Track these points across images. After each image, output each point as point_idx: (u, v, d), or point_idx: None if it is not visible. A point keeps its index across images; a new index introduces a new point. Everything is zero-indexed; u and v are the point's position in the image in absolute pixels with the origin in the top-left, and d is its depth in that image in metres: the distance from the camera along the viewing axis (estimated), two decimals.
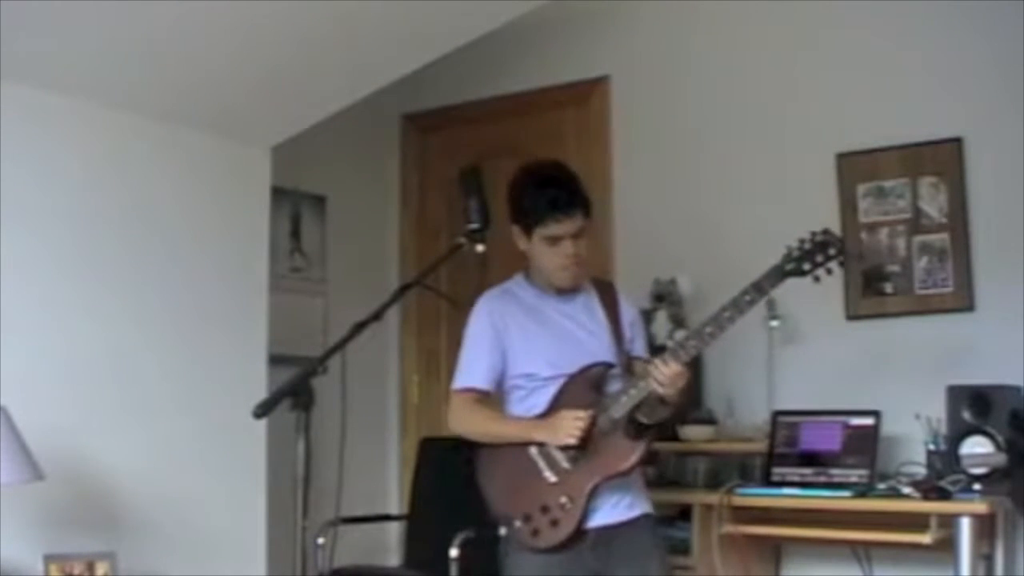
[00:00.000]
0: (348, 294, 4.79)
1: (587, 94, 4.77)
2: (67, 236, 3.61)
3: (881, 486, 3.59)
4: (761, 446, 3.89)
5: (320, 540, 3.62)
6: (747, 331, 4.08)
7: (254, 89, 3.92)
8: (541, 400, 3.14)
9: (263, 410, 2.49)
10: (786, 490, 3.69)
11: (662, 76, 4.60)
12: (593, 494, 3.04)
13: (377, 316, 2.69)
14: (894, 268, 4.04)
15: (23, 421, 3.09)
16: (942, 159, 3.95)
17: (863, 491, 3.55)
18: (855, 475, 3.63)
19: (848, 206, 4.11)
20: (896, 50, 4.08)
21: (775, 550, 4.08)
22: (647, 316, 3.96)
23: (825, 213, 4.11)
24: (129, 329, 3.75)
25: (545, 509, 3.04)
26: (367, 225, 5.23)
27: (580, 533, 3.04)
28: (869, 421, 3.70)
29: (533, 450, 3.08)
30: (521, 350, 3.16)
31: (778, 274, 3.04)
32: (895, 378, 3.89)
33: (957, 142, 3.93)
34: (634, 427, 3.05)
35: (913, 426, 3.72)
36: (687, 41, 4.55)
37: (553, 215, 3.07)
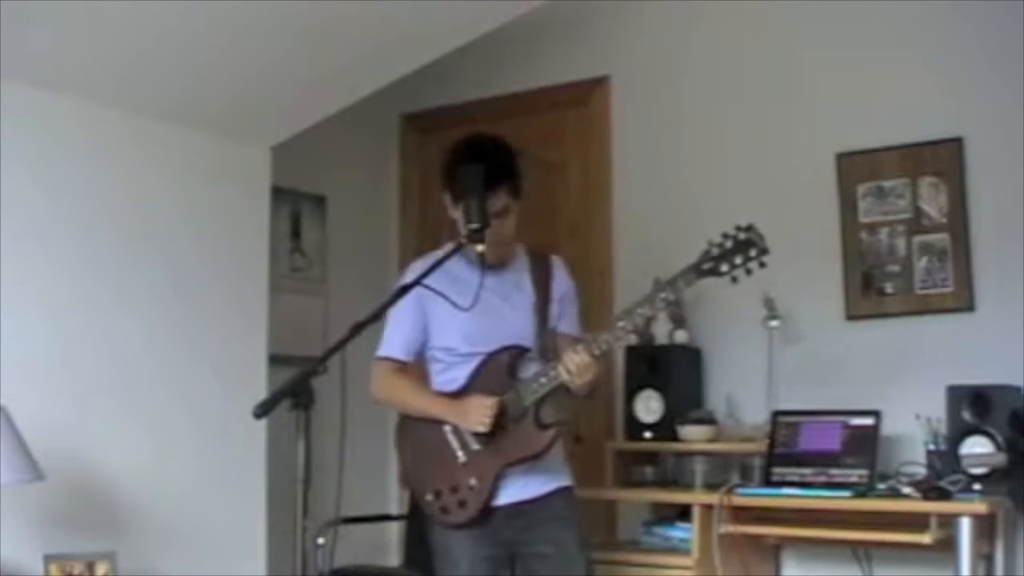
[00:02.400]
0: (348, 294, 4.79)
1: (587, 94, 4.77)
2: (67, 236, 3.61)
3: (881, 486, 3.59)
4: (761, 446, 3.89)
5: (320, 540, 3.62)
6: (747, 331, 4.10)
7: (254, 89, 3.92)
8: (459, 375, 3.19)
9: (263, 410, 2.49)
10: (786, 490, 3.68)
11: (662, 76, 4.60)
12: (501, 476, 3.11)
13: (377, 316, 2.69)
14: (894, 268, 4.03)
15: (23, 421, 3.09)
16: (942, 159, 3.95)
17: (863, 491, 3.55)
18: (855, 475, 3.63)
19: (848, 206, 4.11)
20: (896, 50, 4.08)
21: (775, 550, 4.08)
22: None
23: (825, 213, 4.12)
24: (129, 329, 3.75)
25: (454, 489, 3.13)
26: (367, 225, 5.23)
27: (489, 511, 3.11)
28: (869, 421, 3.70)
29: (447, 428, 3.16)
30: (441, 323, 3.19)
31: (693, 274, 3.01)
32: (895, 378, 3.89)
33: (957, 142, 3.93)
34: (540, 419, 3.10)
35: (913, 426, 3.72)
36: (687, 41, 4.54)
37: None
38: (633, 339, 4.11)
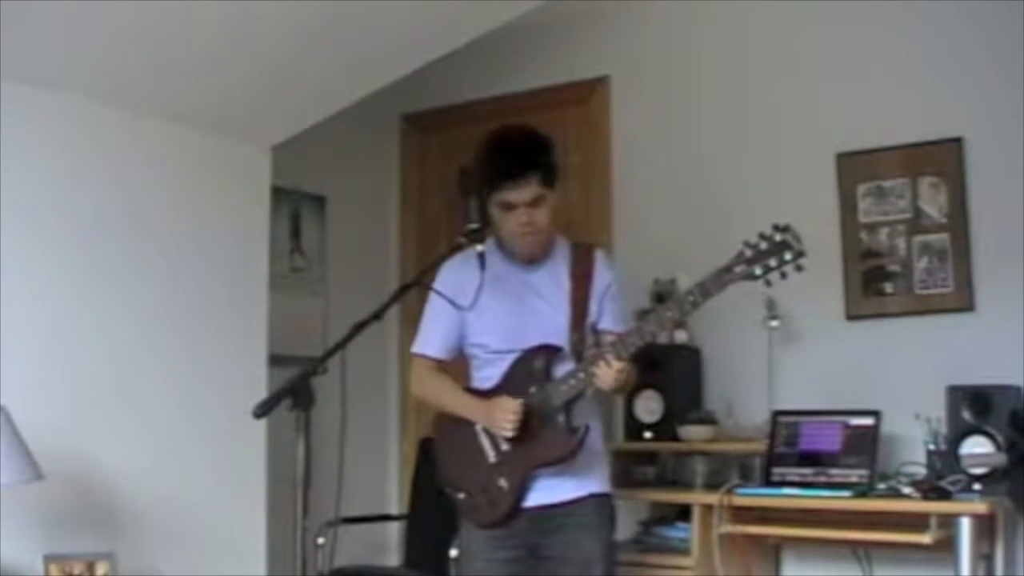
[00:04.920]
0: (348, 294, 4.79)
1: (587, 94, 4.77)
2: (67, 236, 3.61)
3: (881, 486, 3.58)
4: (761, 446, 3.89)
5: (320, 540, 3.62)
6: (747, 331, 4.10)
7: (254, 89, 3.92)
8: (495, 372, 3.16)
9: (263, 410, 2.49)
10: (786, 490, 3.68)
11: (662, 76, 4.60)
12: (530, 478, 3.08)
13: (377, 316, 2.68)
14: (894, 268, 4.04)
15: (23, 421, 3.09)
16: (942, 159, 3.95)
17: (863, 491, 3.54)
18: (855, 475, 3.63)
19: (848, 206, 4.11)
20: (896, 50, 4.08)
21: (775, 550, 4.08)
22: (646, 316, 3.94)
23: (825, 213, 4.12)
24: (129, 329, 3.75)
25: (485, 489, 3.12)
26: (367, 225, 5.24)
27: (518, 511, 3.09)
28: (869, 421, 3.70)
29: (479, 427, 3.14)
30: (477, 319, 3.16)
31: (725, 276, 2.88)
32: (895, 378, 3.89)
33: (957, 142, 3.93)
34: (569, 422, 3.06)
35: (913, 426, 3.72)
36: (687, 41, 4.54)
37: (503, 182, 3.03)
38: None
